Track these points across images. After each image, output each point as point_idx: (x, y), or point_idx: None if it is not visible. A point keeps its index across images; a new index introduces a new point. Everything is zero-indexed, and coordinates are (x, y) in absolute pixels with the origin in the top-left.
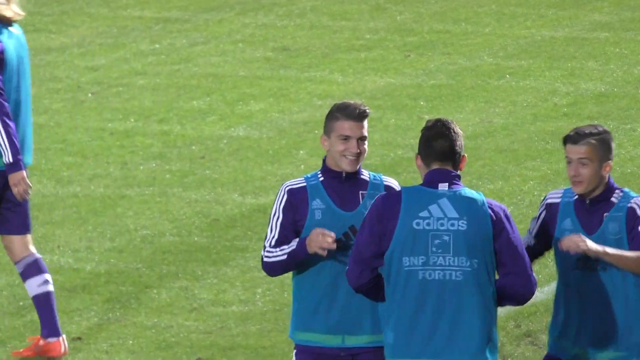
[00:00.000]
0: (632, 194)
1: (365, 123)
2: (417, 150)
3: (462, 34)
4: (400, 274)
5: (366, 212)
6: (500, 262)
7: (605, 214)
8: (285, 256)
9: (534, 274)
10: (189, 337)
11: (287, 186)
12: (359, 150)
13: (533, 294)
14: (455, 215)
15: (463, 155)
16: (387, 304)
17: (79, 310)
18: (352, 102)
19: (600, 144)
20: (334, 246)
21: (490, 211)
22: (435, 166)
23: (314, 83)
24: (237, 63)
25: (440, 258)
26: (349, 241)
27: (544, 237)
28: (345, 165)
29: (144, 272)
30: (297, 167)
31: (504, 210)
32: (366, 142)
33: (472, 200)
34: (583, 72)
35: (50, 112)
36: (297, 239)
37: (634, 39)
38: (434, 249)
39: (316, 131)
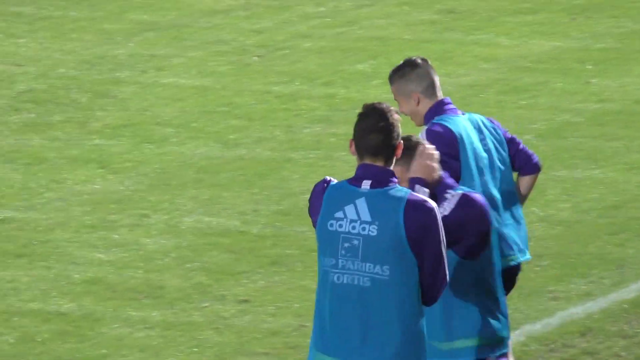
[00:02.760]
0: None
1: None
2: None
3: None
4: (320, 272)
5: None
6: (419, 266)
7: None
8: None
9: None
10: None
11: None
12: None
13: (437, 299)
14: (368, 218)
15: (399, 143)
16: (316, 297)
17: (245, 273)
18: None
19: None
20: None
21: (405, 217)
22: (366, 160)
23: (480, 46)
24: (402, 26)
25: (350, 262)
26: None
27: None
28: None
29: (310, 235)
30: None
31: (427, 213)
32: None
33: (390, 203)
34: None
35: (215, 75)
36: None
37: None
38: (343, 252)
39: (482, 95)
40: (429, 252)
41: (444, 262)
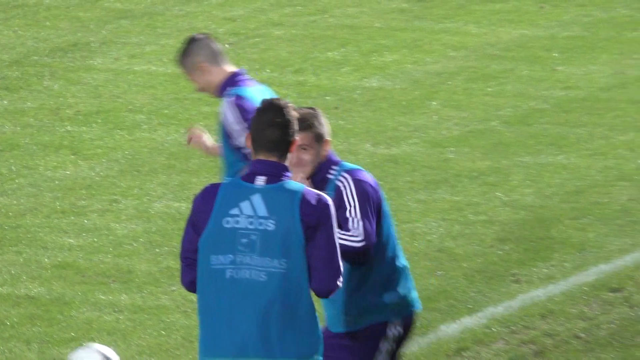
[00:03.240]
0: (346, 165)
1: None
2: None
3: None
4: (209, 272)
5: None
6: (310, 263)
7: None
8: None
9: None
10: None
11: None
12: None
13: (333, 292)
14: (265, 214)
15: (294, 140)
16: (199, 302)
17: None
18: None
19: None
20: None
21: (301, 212)
22: (261, 155)
23: (449, 34)
24: (372, 14)
25: (247, 257)
26: None
27: None
28: None
29: None
30: (429, 118)
31: (322, 209)
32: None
33: (286, 198)
34: None
35: None
36: None
37: None
38: (240, 248)
39: (449, 82)
40: (321, 244)
41: (337, 256)
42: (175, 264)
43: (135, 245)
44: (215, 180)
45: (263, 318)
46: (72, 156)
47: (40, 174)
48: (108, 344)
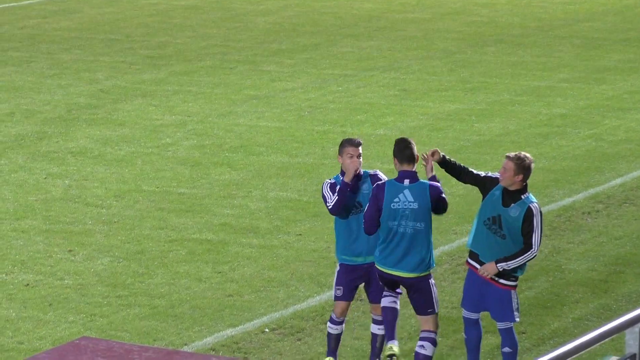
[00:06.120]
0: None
1: (360, 148)
2: (393, 155)
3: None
4: (386, 229)
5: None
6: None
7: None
8: (337, 196)
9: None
10: None
11: (329, 181)
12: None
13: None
14: (412, 199)
15: (416, 158)
16: (380, 243)
17: (300, 221)
18: (352, 137)
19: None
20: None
21: (430, 194)
22: (404, 167)
23: (418, 107)
24: (380, 97)
25: (406, 221)
26: (359, 207)
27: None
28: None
29: (316, 200)
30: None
31: (439, 190)
32: (361, 157)
33: (421, 189)
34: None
35: (286, 121)
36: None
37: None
38: (402, 218)
39: (419, 132)
40: (439, 207)
41: (444, 207)
42: (293, 224)
43: (260, 214)
44: (299, 182)
45: (410, 249)
46: (228, 169)
47: (212, 177)
48: (249, 256)
